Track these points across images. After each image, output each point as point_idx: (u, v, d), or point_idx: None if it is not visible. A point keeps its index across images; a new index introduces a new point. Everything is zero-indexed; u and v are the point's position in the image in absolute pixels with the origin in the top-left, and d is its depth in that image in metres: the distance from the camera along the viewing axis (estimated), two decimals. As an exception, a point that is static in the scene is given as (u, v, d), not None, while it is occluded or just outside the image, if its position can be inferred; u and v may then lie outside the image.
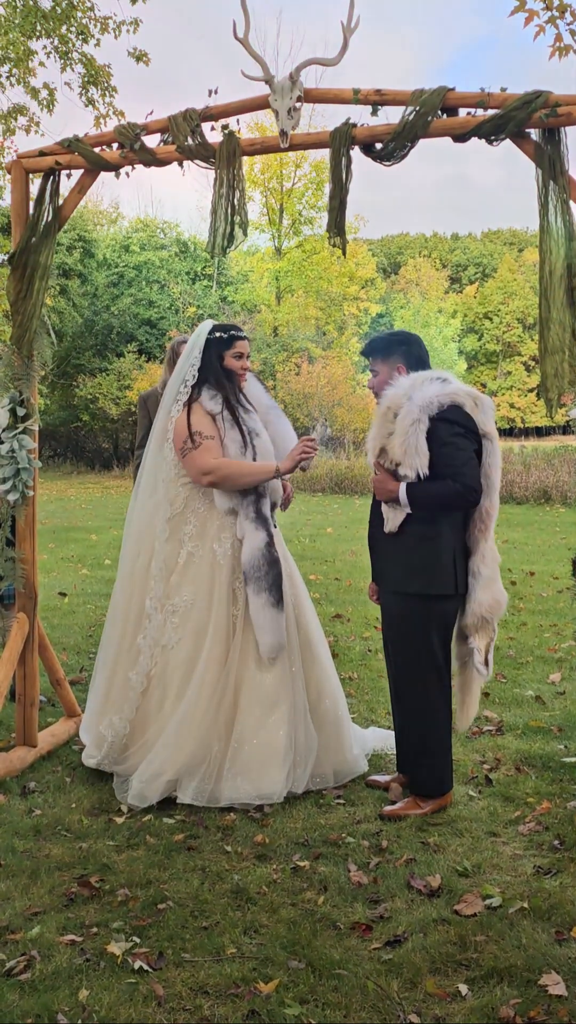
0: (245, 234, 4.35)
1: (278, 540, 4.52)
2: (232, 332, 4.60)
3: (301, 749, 4.39)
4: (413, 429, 3.99)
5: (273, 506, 4.58)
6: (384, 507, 4.21)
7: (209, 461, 4.36)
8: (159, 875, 3.60)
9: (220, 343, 4.57)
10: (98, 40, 11.02)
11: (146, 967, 2.98)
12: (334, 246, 4.22)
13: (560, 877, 3.55)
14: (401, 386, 4.12)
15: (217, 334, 4.58)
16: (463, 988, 2.86)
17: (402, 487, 4.05)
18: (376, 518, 4.32)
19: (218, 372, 4.55)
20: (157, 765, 4.26)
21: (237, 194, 4.29)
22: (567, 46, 5.95)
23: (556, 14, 5.68)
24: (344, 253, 4.38)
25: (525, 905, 3.32)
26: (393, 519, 4.15)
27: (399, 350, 4.28)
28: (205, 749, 4.28)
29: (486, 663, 4.19)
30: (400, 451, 4.02)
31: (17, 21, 10.54)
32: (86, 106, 11.29)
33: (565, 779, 4.49)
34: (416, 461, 3.99)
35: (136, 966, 2.98)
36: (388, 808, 4.17)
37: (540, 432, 58.60)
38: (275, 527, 4.54)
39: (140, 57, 11.34)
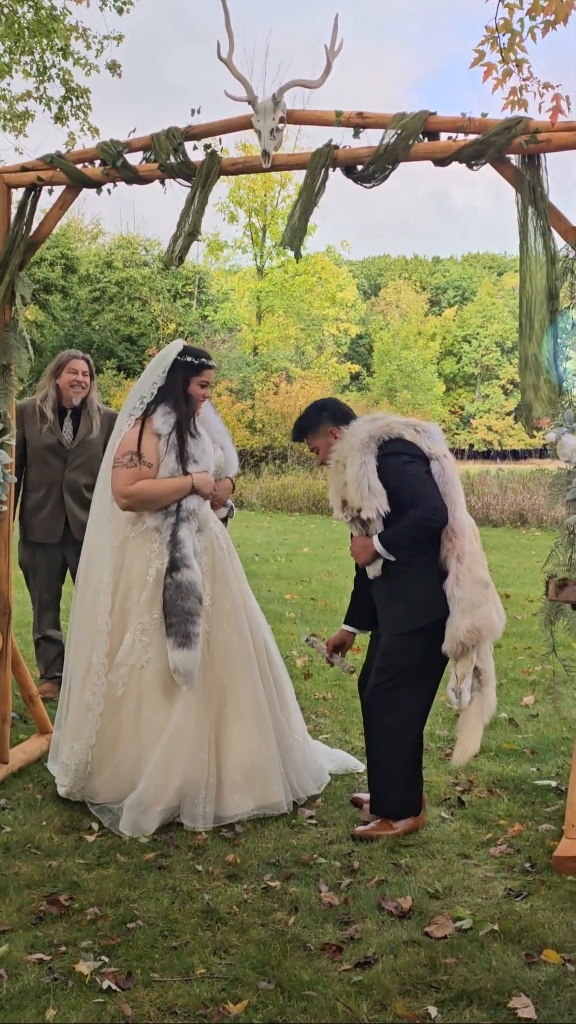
0: (195, 238, 4.42)
1: (219, 557, 4.48)
2: (203, 359, 4.53)
3: (288, 757, 4.45)
4: (362, 472, 4.05)
5: (199, 529, 4.45)
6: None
7: (131, 486, 4.31)
8: (129, 894, 3.57)
9: (189, 368, 4.49)
10: (76, 59, 11.08)
11: (114, 987, 2.95)
12: (287, 251, 4.28)
13: (531, 900, 3.55)
14: (343, 440, 4.22)
15: (188, 358, 4.50)
16: (432, 1010, 2.85)
17: (375, 540, 4.08)
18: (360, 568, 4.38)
19: (179, 395, 4.47)
20: (151, 794, 4.16)
21: (199, 207, 4.35)
22: (523, 100, 5.94)
23: (513, 68, 5.67)
24: (297, 259, 4.46)
25: (496, 928, 3.31)
26: (374, 566, 4.18)
27: (321, 417, 4.35)
28: (198, 770, 4.21)
29: (459, 692, 4.08)
30: (357, 496, 4.07)
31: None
32: (55, 123, 11.33)
33: (537, 802, 4.49)
34: (374, 501, 4.04)
35: (104, 985, 2.95)
36: (360, 828, 4.16)
37: (517, 455, 58.99)
38: (195, 551, 4.37)
39: (114, 68, 11.40)
